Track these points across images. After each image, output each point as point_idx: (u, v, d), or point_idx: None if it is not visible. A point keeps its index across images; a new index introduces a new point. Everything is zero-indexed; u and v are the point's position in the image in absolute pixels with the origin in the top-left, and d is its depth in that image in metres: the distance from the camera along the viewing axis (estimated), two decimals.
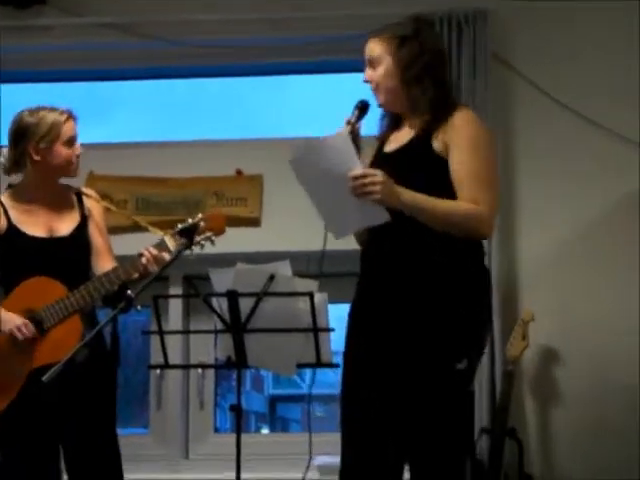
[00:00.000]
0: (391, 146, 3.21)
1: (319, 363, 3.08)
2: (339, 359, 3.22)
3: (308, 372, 7.88)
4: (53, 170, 3.62)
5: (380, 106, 3.23)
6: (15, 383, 3.45)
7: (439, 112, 3.11)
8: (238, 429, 3.08)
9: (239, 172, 4.92)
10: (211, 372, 5.04)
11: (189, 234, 3.41)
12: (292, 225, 4.77)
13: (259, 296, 3.00)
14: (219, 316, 3.07)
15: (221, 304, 3.05)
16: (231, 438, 3.21)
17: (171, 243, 3.47)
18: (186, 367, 5.01)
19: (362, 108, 3.16)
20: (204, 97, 5.24)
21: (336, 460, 3.17)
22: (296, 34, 4.91)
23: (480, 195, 3.02)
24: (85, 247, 3.64)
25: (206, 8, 4.93)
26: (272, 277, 3.00)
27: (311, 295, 2.95)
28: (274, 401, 10.75)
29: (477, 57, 4.74)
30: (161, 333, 3.22)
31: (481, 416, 4.49)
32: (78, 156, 3.64)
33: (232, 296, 3.01)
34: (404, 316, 3.02)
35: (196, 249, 3.46)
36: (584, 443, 4.56)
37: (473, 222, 3.03)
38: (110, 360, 3.63)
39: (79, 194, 3.71)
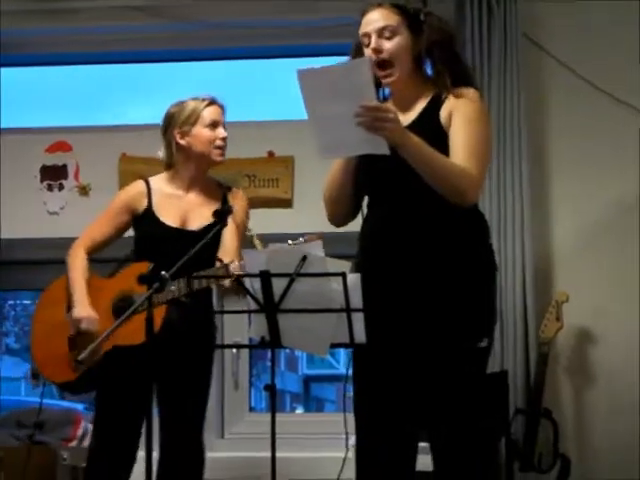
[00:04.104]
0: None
1: (352, 343, 3.08)
2: None
3: (342, 352, 7.91)
4: (198, 155, 3.72)
5: (385, 81, 3.15)
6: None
7: (449, 88, 3.12)
8: (273, 408, 3.09)
9: (271, 154, 4.93)
10: (245, 352, 5.07)
11: None
12: (324, 206, 4.77)
13: (292, 277, 3.01)
14: (252, 296, 3.08)
15: (254, 285, 3.06)
16: (266, 417, 3.22)
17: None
18: (221, 347, 5.03)
19: None
20: (234, 79, 5.24)
21: None
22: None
23: (473, 163, 3.04)
24: (211, 244, 3.54)
25: None
26: (304, 258, 3.00)
27: (344, 275, 2.95)
28: (308, 381, 10.78)
29: (507, 38, 4.72)
30: None
31: (516, 397, 4.49)
32: (223, 139, 3.74)
33: (265, 277, 3.02)
34: (423, 296, 3.05)
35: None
36: (618, 423, 4.55)
37: (465, 181, 3.03)
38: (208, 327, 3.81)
39: (225, 193, 3.79)
